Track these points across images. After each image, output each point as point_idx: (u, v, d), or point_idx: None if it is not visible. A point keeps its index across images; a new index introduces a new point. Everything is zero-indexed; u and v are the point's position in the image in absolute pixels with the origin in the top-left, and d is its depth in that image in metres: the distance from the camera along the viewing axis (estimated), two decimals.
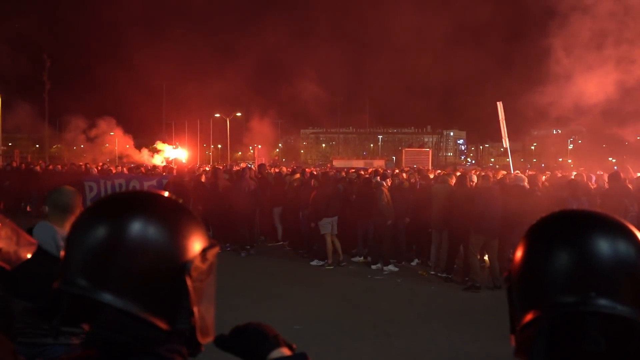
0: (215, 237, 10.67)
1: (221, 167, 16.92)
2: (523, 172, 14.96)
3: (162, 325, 0.92)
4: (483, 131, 72.40)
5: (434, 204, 8.92)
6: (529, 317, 0.95)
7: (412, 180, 11.13)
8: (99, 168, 17.94)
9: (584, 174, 11.55)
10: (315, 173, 12.40)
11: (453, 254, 8.77)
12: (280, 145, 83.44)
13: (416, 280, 8.77)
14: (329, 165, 36.74)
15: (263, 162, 22.75)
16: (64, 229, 2.77)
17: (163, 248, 0.93)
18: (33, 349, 2.62)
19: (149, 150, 29.94)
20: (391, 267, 9.38)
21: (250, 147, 51.36)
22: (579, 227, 0.96)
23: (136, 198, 1.01)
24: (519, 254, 1.01)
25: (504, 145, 14.55)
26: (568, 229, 0.97)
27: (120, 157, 31.20)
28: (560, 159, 71.81)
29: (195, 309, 0.94)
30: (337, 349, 5.53)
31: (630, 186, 8.38)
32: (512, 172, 12.71)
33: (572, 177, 11.05)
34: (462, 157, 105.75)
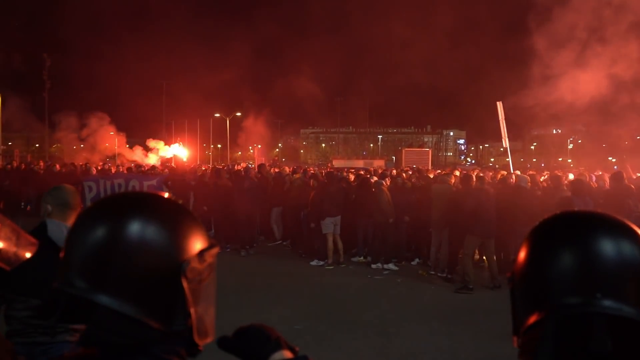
0: (217, 237, 10.68)
1: (222, 167, 16.94)
2: (523, 171, 14.95)
3: (158, 326, 0.92)
4: (483, 131, 72.56)
5: (433, 204, 8.92)
6: (533, 318, 0.95)
7: (412, 180, 11.14)
8: (99, 168, 17.92)
9: (585, 174, 11.54)
10: (314, 173, 12.40)
11: (453, 253, 8.76)
12: (280, 145, 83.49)
13: (416, 280, 8.77)
14: (329, 165, 36.74)
15: (263, 162, 22.75)
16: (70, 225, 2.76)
17: (161, 250, 0.93)
18: (35, 348, 2.62)
19: (143, 150, 29.57)
20: (391, 266, 9.38)
21: (250, 147, 51.34)
22: (584, 228, 0.96)
23: (135, 200, 1.00)
24: (522, 255, 1.01)
25: (504, 145, 14.56)
26: (573, 230, 0.97)
27: (112, 157, 30.84)
28: (560, 159, 71.94)
29: (191, 310, 0.93)
30: (337, 349, 5.52)
31: (632, 186, 8.38)
32: (512, 171, 12.70)
33: (570, 177, 11.06)
34: (462, 157, 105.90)
